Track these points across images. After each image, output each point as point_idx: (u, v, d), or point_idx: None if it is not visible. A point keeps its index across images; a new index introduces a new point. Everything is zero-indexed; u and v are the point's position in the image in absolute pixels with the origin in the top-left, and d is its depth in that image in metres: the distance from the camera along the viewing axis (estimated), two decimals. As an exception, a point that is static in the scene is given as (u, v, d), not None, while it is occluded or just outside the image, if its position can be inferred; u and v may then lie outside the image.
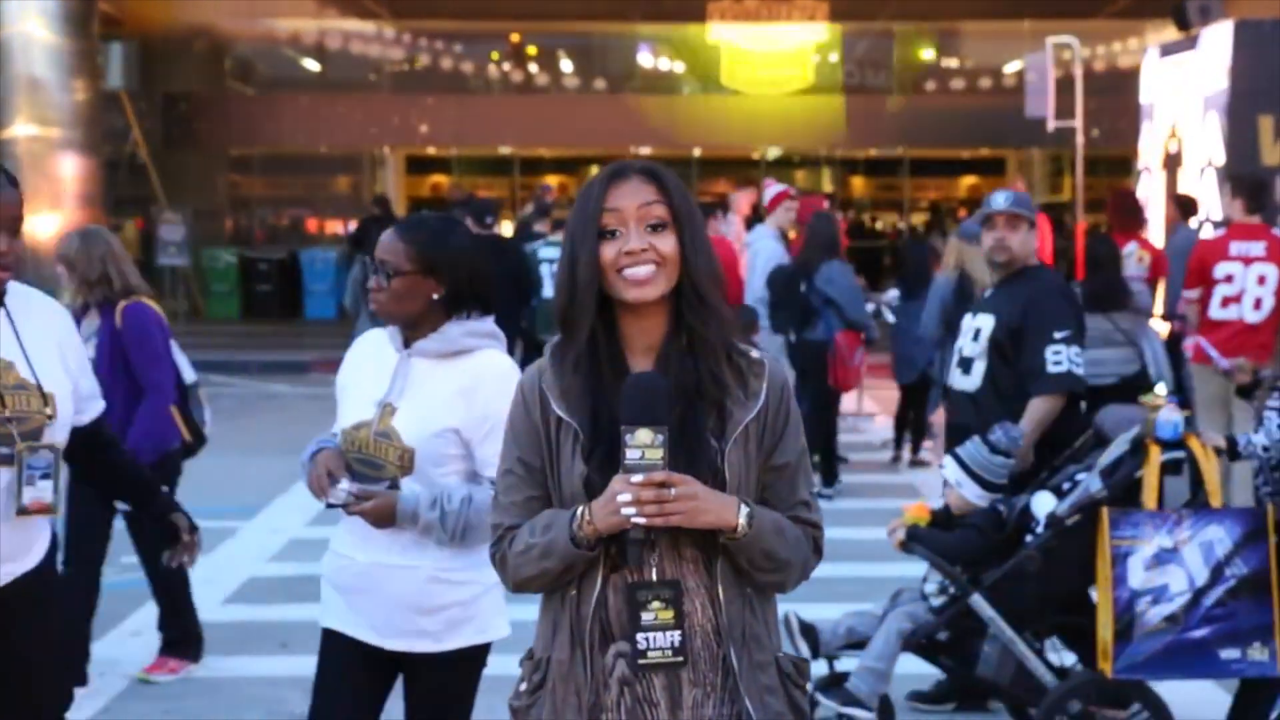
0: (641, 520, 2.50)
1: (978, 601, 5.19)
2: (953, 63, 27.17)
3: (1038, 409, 5.62)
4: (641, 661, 2.58)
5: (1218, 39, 12.71)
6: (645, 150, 25.54)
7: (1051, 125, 15.81)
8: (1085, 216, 18.12)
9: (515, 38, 27.07)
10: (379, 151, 27.03)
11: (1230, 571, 4.91)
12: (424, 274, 3.57)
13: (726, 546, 2.60)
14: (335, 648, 3.70)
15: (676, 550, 2.61)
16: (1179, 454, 5.07)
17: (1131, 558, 4.91)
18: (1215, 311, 9.09)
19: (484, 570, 3.37)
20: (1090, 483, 5.18)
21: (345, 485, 3.51)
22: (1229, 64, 12.35)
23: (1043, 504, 5.31)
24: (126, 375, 5.93)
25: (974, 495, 5.33)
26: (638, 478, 2.49)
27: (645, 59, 27.43)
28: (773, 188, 11.40)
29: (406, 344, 3.63)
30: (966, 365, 5.84)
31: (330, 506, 3.57)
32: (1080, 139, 15.80)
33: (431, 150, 27.20)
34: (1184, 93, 13.34)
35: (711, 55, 24.96)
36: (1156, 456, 5.03)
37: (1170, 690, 6.22)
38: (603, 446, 2.58)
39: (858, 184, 28.62)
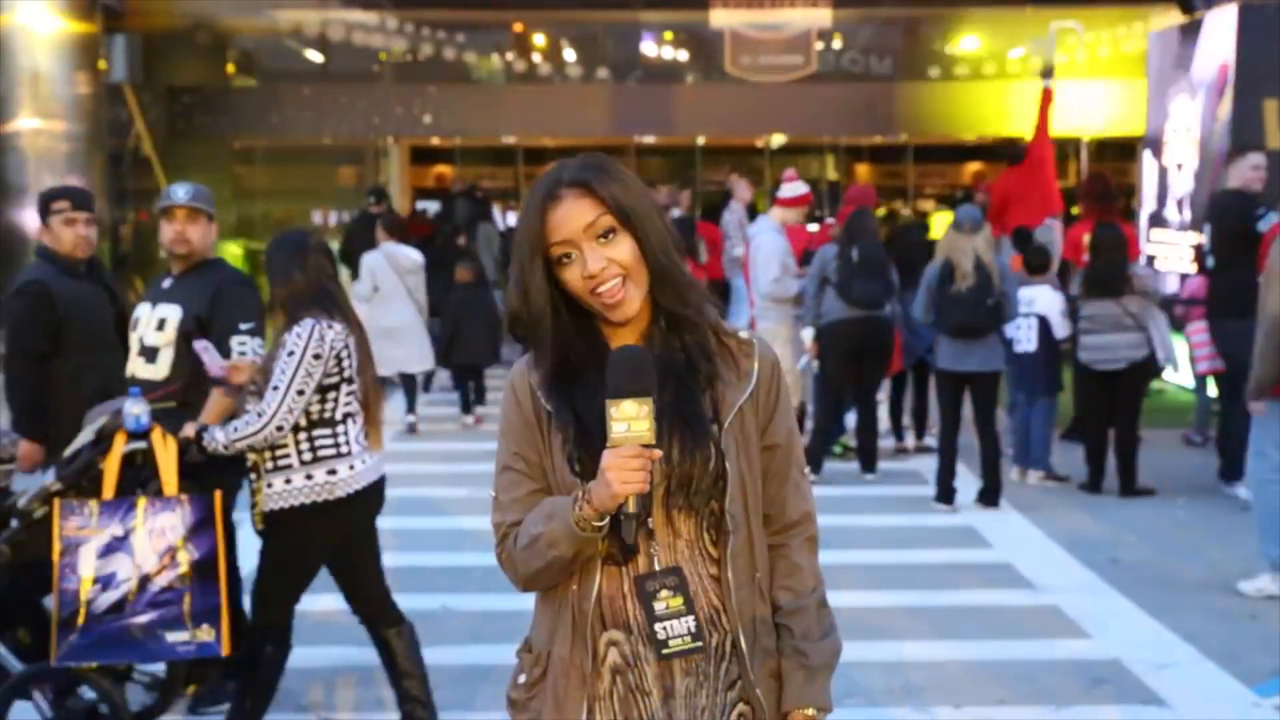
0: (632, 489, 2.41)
1: None
2: (956, 49, 27.09)
3: (215, 401, 5.51)
4: (665, 652, 2.52)
5: (1222, 23, 12.67)
6: (649, 139, 25.51)
7: (1055, 111, 15.80)
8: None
9: (518, 27, 27.03)
10: (383, 142, 27.02)
11: (180, 557, 5.00)
12: None
13: (730, 527, 2.55)
14: None
15: (672, 529, 2.56)
16: (143, 444, 5.11)
17: (83, 547, 4.96)
18: None
19: None
20: (49, 474, 5.19)
21: None
22: (1234, 47, 12.31)
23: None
24: None
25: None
26: (625, 450, 2.42)
27: (648, 47, 27.37)
28: (796, 184, 11.06)
29: None
30: (151, 354, 5.72)
31: None
32: (1085, 124, 15.79)
33: (435, 141, 27.18)
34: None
35: (714, 43, 24.91)
36: (120, 446, 5.08)
37: (1175, 686, 6.20)
38: (593, 444, 2.49)
39: (862, 171, 28.54)
